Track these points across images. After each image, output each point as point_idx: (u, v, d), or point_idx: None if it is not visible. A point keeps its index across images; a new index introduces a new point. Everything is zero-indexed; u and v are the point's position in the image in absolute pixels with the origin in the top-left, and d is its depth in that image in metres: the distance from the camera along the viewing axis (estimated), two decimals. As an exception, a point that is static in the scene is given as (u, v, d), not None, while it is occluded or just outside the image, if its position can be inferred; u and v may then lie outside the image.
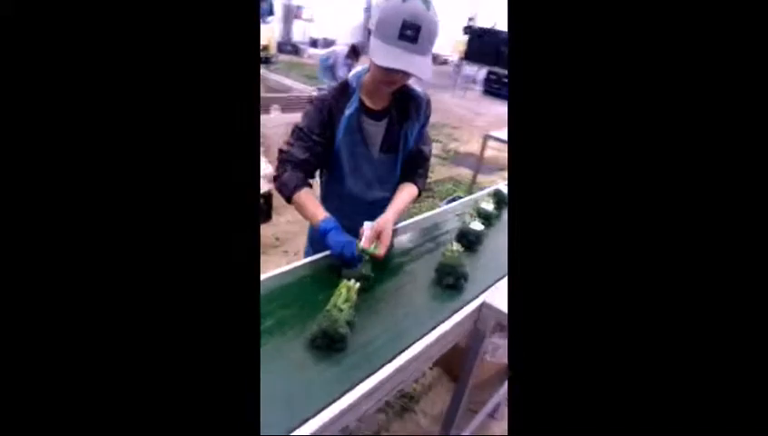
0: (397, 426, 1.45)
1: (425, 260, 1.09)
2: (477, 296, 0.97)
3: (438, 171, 4.10)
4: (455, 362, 1.00)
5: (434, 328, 0.85)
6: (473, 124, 6.00)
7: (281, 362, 0.71)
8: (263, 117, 2.37)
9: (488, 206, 1.37)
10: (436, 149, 4.69)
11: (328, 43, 8.96)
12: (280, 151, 1.02)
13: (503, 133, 2.87)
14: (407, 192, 1.10)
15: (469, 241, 1.17)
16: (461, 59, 8.35)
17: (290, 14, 9.50)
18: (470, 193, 2.60)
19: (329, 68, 2.23)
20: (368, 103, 1.02)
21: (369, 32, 0.89)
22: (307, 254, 1.14)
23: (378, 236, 0.95)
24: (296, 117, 1.08)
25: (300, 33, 9.84)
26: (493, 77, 8.39)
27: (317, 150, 1.01)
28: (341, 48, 2.46)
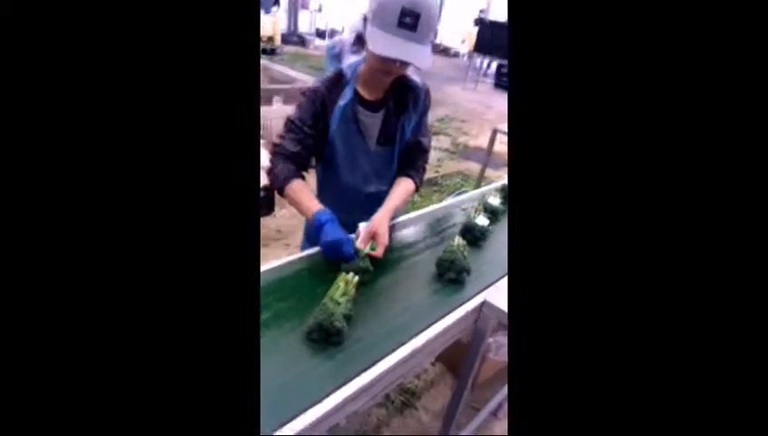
0: (397, 422, 1.43)
1: (428, 254, 1.06)
2: (480, 291, 0.94)
3: (446, 165, 4.05)
4: (458, 359, 0.98)
5: (434, 323, 0.82)
6: (483, 118, 5.91)
7: (277, 355, 0.69)
8: (265, 108, 2.35)
9: (495, 201, 1.33)
10: (445, 143, 4.65)
11: (334, 33, 8.91)
12: (274, 144, 0.99)
13: (513, 127, 2.79)
14: (402, 187, 1.06)
15: (474, 236, 1.14)
16: (472, 51, 8.22)
17: (296, 4, 9.44)
18: (478, 187, 2.56)
19: (336, 57, 2.19)
20: (363, 93, 0.98)
21: (366, 19, 0.84)
22: (303, 249, 1.11)
23: (373, 236, 0.92)
24: (298, 109, 1.05)
25: (306, 24, 9.79)
26: (504, 70, 8.25)
27: (309, 142, 0.98)
28: (348, 37, 2.41)
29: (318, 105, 0.96)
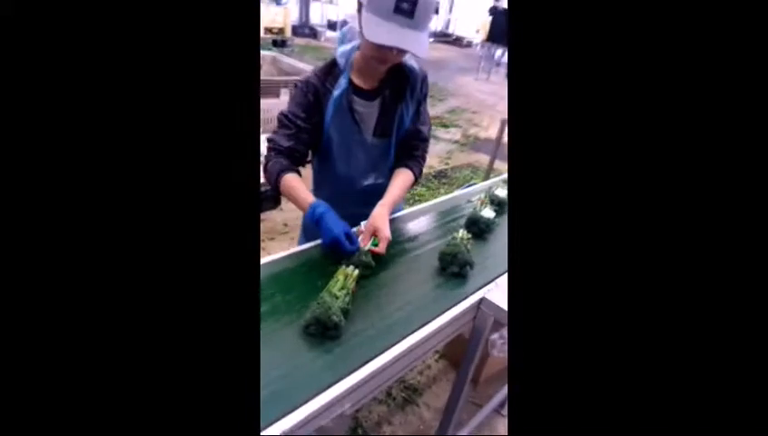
0: (398, 419, 1.42)
1: (431, 248, 1.04)
2: (483, 286, 0.92)
3: (456, 157, 4.00)
4: (461, 355, 0.96)
5: (434, 318, 0.81)
6: (495, 109, 5.81)
7: (274, 349, 0.68)
8: (272, 101, 2.33)
9: (502, 193, 1.30)
10: (456, 135, 4.58)
11: (346, 25, 8.81)
12: (267, 139, 0.96)
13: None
14: (401, 179, 1.02)
15: (479, 228, 1.12)
16: (485, 41, 8.05)
17: (308, -4, 9.37)
18: (487, 179, 2.51)
19: (346, 45, 2.15)
20: (358, 82, 0.94)
21: (361, 5, 0.81)
22: (300, 244, 1.08)
23: (374, 232, 0.90)
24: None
25: (318, 15, 9.71)
26: (517, 60, 8.03)
27: (302, 137, 0.94)
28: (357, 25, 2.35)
29: (311, 97, 0.92)
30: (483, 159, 3.91)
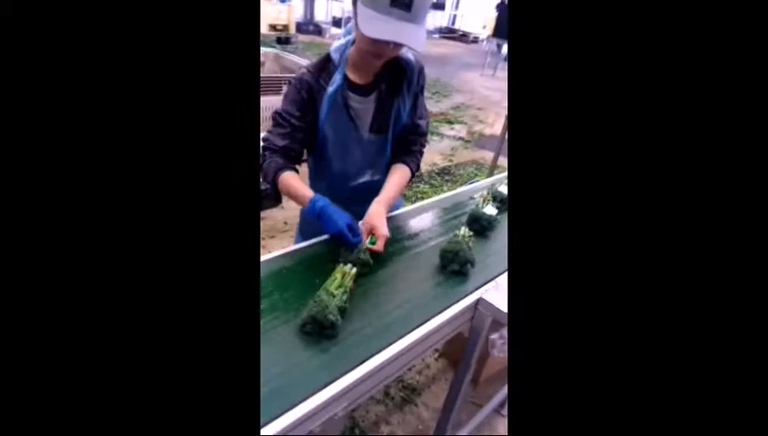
0: (396, 418, 1.40)
1: (432, 245, 1.02)
2: (483, 284, 0.90)
3: (460, 154, 3.97)
4: (461, 354, 0.94)
5: (433, 317, 0.79)
6: (500, 105, 5.75)
7: (270, 347, 0.68)
8: (274, 98, 2.31)
9: (505, 190, 1.27)
10: (461, 131, 4.54)
11: (351, 21, 8.78)
12: (262, 138, 0.94)
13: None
14: (398, 175, 1.00)
15: (481, 225, 1.10)
16: (491, 36, 7.97)
17: (313, -8, 9.33)
18: (491, 176, 2.48)
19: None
20: (353, 77, 0.92)
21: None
22: (297, 242, 1.07)
23: (371, 231, 0.88)
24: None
25: (322, 12, 9.67)
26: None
27: (297, 135, 0.92)
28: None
29: (304, 94, 0.90)
30: (487, 156, 3.88)
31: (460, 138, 4.38)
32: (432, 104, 5.31)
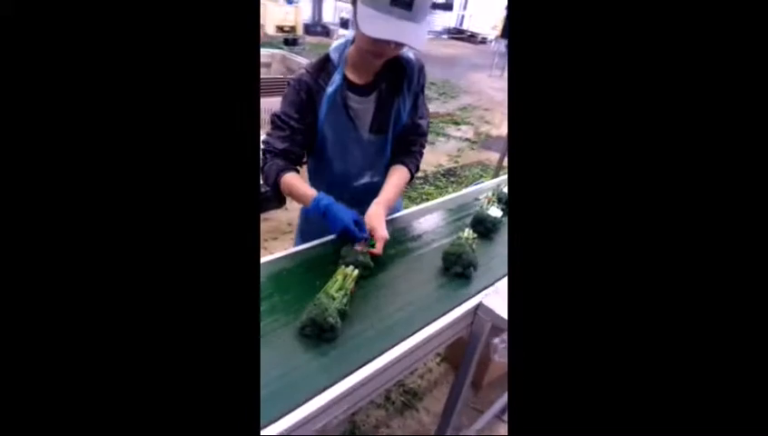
0: (397, 423, 1.39)
1: (435, 247, 1.01)
2: (488, 286, 0.89)
3: (466, 155, 3.95)
4: (463, 358, 0.92)
5: (435, 320, 0.78)
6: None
7: (270, 350, 0.67)
8: (278, 99, 2.32)
9: (510, 191, 1.25)
10: (468, 132, 4.51)
11: (359, 22, 8.76)
12: (262, 141, 0.94)
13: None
14: (398, 176, 0.99)
15: (486, 227, 1.09)
16: (500, 37, 7.92)
17: (321, -6, 9.35)
18: (496, 177, 2.46)
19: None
20: (353, 77, 0.91)
21: None
22: (297, 244, 1.06)
23: (370, 233, 0.87)
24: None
25: (330, 13, 9.69)
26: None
27: (296, 137, 0.91)
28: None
29: (303, 95, 0.89)
30: (493, 157, 3.85)
31: (467, 139, 4.35)
32: (439, 105, 5.29)
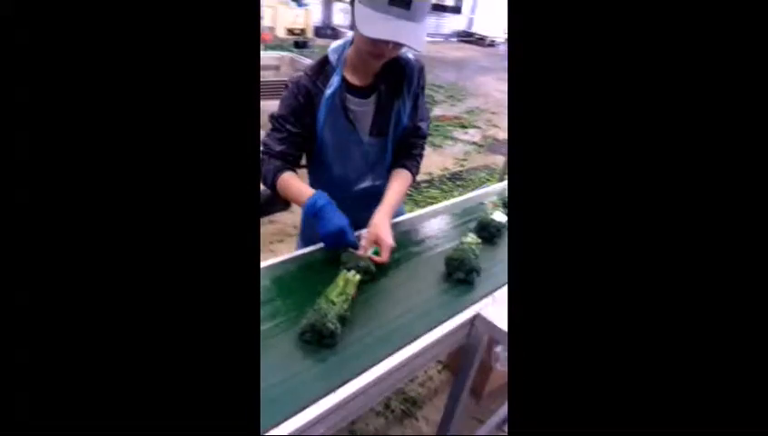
0: (396, 431, 1.37)
1: (438, 253, 1.00)
2: (491, 292, 0.88)
3: (473, 158, 3.92)
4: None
5: (436, 327, 0.77)
6: (515, 110, 5.65)
7: (269, 356, 0.67)
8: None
9: (516, 196, 1.24)
10: (475, 136, 4.49)
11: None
12: (261, 142, 0.93)
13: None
14: (400, 181, 0.98)
15: (490, 232, 1.07)
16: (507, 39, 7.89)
17: (331, -4, 9.38)
18: (502, 181, 2.43)
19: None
20: (351, 79, 0.90)
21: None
22: (299, 247, 1.06)
23: (376, 240, 0.86)
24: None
25: (340, 17, 9.72)
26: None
27: (294, 140, 0.91)
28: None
29: (301, 98, 0.88)
30: (500, 161, 3.82)
31: (474, 142, 4.33)
32: (447, 108, 5.28)
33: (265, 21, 6.05)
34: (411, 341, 0.73)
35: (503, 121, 5.14)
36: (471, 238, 0.96)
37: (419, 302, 0.83)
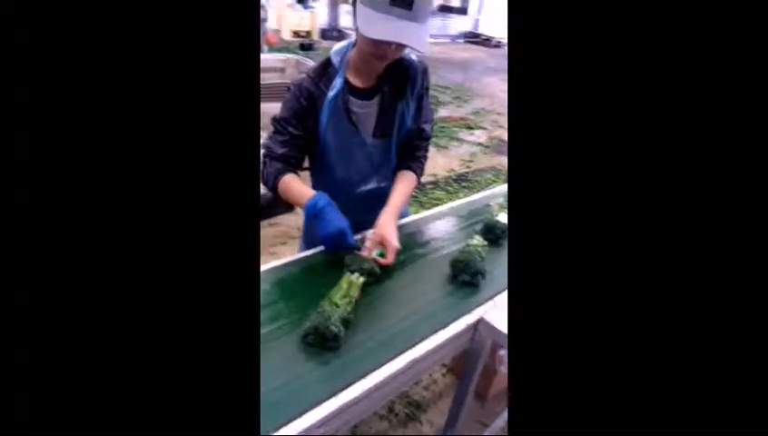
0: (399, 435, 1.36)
1: (445, 254, 0.99)
2: (496, 295, 0.87)
3: (479, 160, 3.91)
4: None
5: (440, 330, 0.76)
6: (522, 111, 5.62)
7: (272, 359, 0.66)
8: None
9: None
10: (481, 137, 4.47)
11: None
12: (263, 144, 0.93)
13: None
14: (405, 183, 0.97)
15: (495, 234, 1.06)
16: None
17: (337, -2, 9.40)
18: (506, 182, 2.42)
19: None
20: (354, 81, 0.89)
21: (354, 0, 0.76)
22: (301, 250, 1.05)
23: (381, 242, 0.85)
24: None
25: (347, 19, 9.76)
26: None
27: (296, 142, 0.90)
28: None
29: (303, 101, 0.87)
30: (506, 162, 3.79)
31: (479, 144, 4.31)
32: (453, 109, 5.26)
33: (270, 23, 6.08)
34: (415, 344, 0.72)
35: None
36: (477, 240, 0.95)
37: (424, 304, 0.82)
